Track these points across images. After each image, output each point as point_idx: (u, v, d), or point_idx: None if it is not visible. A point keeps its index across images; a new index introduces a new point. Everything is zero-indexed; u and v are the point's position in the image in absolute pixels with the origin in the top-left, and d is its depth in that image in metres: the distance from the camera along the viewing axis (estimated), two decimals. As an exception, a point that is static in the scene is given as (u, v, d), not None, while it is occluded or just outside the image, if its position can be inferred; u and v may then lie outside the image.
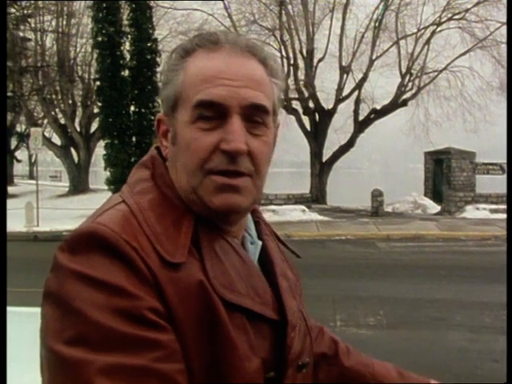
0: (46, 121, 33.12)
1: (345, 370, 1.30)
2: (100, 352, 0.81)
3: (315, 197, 24.28)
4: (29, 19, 27.57)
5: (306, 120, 25.98)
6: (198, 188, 1.00)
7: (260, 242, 1.13)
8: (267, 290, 1.04)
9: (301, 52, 25.51)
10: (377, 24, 25.72)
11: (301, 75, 25.66)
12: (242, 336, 0.96)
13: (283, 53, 25.72)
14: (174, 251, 0.93)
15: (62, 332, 0.84)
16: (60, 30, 28.67)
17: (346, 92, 26.13)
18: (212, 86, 0.98)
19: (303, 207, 19.63)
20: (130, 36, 21.20)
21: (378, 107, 26.34)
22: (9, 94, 27.60)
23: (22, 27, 27.40)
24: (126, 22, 21.43)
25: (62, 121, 30.66)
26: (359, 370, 1.30)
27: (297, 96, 25.63)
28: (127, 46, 21.33)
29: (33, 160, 38.03)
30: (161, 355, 0.85)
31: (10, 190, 31.41)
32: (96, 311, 0.83)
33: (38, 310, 0.97)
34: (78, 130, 30.24)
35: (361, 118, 26.38)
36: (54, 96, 29.76)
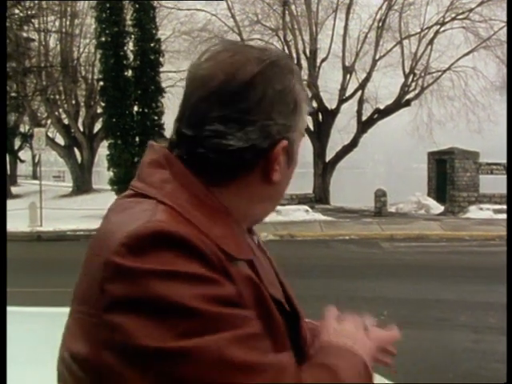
0: (49, 121, 33.17)
1: None
2: (215, 334, 0.83)
3: (318, 197, 24.25)
4: (32, 20, 27.60)
5: (309, 120, 25.91)
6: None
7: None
8: (279, 284, 1.08)
9: (304, 52, 25.50)
10: (380, 24, 25.70)
11: (304, 75, 25.61)
12: (283, 329, 0.99)
13: (286, 53, 25.68)
14: (238, 249, 0.95)
15: (169, 331, 0.82)
16: (63, 30, 28.73)
17: (349, 92, 26.12)
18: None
19: (306, 207, 19.62)
20: (133, 36, 21.21)
21: (382, 107, 26.31)
22: (12, 94, 27.67)
23: (25, 28, 27.44)
24: (129, 23, 21.44)
25: (66, 121, 30.72)
26: None
27: (300, 96, 25.58)
28: (130, 46, 21.34)
29: (36, 160, 38.15)
30: (261, 327, 0.90)
31: (14, 190, 31.47)
32: (195, 301, 0.83)
33: (37, 310, 0.96)
34: (82, 130, 30.28)
35: (364, 118, 26.36)
36: (57, 96, 29.81)
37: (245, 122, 0.97)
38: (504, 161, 22.28)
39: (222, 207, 1.00)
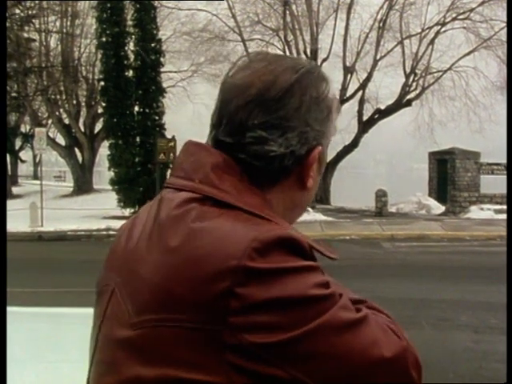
0: (50, 121, 33.18)
1: None
2: (333, 307, 0.92)
3: (319, 197, 24.25)
4: (33, 20, 27.64)
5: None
6: None
7: None
8: None
9: (305, 52, 25.49)
10: (381, 24, 25.70)
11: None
12: None
13: (287, 53, 25.69)
14: (330, 249, 1.04)
15: (303, 317, 0.89)
16: (64, 30, 28.76)
17: (350, 92, 26.13)
18: None
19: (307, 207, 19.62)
20: (134, 36, 21.23)
21: (383, 107, 26.32)
22: (13, 94, 27.70)
23: (26, 28, 27.47)
24: (130, 23, 21.46)
25: (67, 121, 30.73)
26: None
27: (301, 96, 25.60)
28: (131, 46, 21.37)
29: (37, 160, 38.12)
30: None
31: (15, 190, 31.49)
32: (316, 289, 0.91)
33: (38, 310, 0.95)
34: (83, 130, 30.30)
35: (365, 118, 26.37)
36: (58, 96, 29.83)
37: (285, 128, 1.01)
38: (505, 161, 22.27)
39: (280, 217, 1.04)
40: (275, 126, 1.00)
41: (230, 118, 1.02)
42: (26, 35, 27.76)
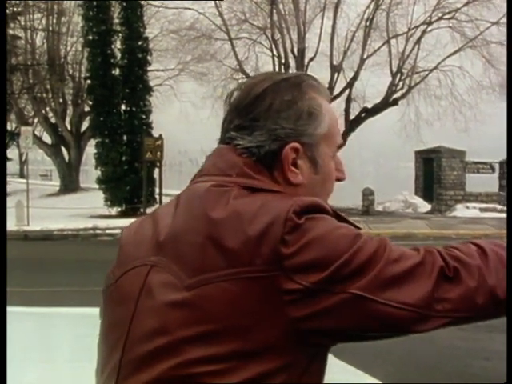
0: (36, 119, 32.96)
1: None
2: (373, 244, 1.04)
3: (306, 196, 24.29)
4: (19, 17, 27.45)
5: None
6: None
7: None
8: None
9: (292, 51, 25.51)
10: (368, 23, 25.75)
11: (292, 74, 25.63)
12: None
13: (274, 52, 25.72)
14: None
15: (344, 247, 1.02)
16: (50, 28, 28.57)
17: (337, 91, 26.14)
18: (340, 130, 1.27)
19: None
20: (120, 34, 21.13)
21: (369, 106, 26.38)
22: (-2, 92, 27.45)
23: (11, 25, 27.24)
24: (116, 21, 21.36)
25: (53, 119, 30.53)
26: None
27: (288, 95, 25.60)
28: (118, 44, 21.27)
29: (23, 159, 37.88)
30: None
31: (0, 188, 31.23)
32: (348, 229, 1.07)
33: (37, 310, 0.96)
34: (69, 128, 30.12)
35: (352, 116, 26.40)
36: (44, 94, 29.63)
37: (254, 127, 1.14)
38: (490, 160, 22.46)
39: None
40: (245, 126, 1.14)
41: (222, 127, 1.21)
42: (11, 32, 27.54)
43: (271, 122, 1.13)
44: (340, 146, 1.25)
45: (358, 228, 1.12)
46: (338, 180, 1.25)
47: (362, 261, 1.01)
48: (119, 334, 1.08)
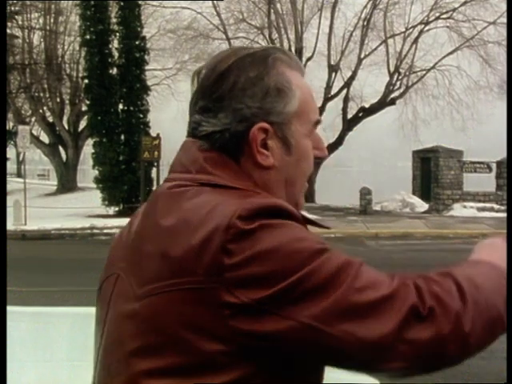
0: (33, 119, 32.92)
1: None
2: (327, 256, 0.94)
3: (304, 195, 24.29)
4: (16, 16, 27.40)
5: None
6: (302, 190, 1.15)
7: None
8: None
9: (289, 50, 25.48)
10: (365, 23, 25.79)
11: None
12: None
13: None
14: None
15: (296, 264, 0.92)
16: (48, 27, 28.53)
17: (334, 90, 26.18)
18: (315, 105, 1.15)
19: (292, 205, 19.63)
20: (118, 34, 21.11)
21: (367, 105, 26.42)
22: (-4, 91, 27.42)
23: (9, 24, 27.18)
24: (114, 20, 21.35)
25: (50, 119, 30.51)
26: None
27: (285, 94, 25.62)
28: (115, 43, 21.25)
29: (21, 158, 37.82)
30: None
31: (-2, 188, 31.18)
32: (308, 242, 0.96)
33: (38, 310, 0.96)
34: (66, 128, 30.09)
35: (349, 116, 26.44)
36: (41, 94, 29.60)
37: (217, 109, 1.05)
38: (487, 159, 22.48)
39: None
40: (210, 108, 1.06)
41: (189, 110, 1.12)
42: (8, 31, 27.50)
43: (236, 102, 1.04)
44: (317, 123, 1.13)
45: (326, 227, 1.08)
46: (318, 158, 1.14)
47: (319, 283, 0.90)
48: (98, 341, 1.08)
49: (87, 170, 35.36)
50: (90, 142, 23.14)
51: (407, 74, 26.55)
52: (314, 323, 0.89)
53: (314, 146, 1.12)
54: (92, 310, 1.17)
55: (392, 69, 26.22)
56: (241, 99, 1.05)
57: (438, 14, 26.13)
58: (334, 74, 25.93)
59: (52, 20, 28.78)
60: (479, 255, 1.08)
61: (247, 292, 0.90)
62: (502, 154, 20.50)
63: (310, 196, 25.11)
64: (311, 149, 1.12)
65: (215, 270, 0.91)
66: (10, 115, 33.52)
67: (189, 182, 1.05)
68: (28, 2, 26.83)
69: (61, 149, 30.26)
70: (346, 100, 26.40)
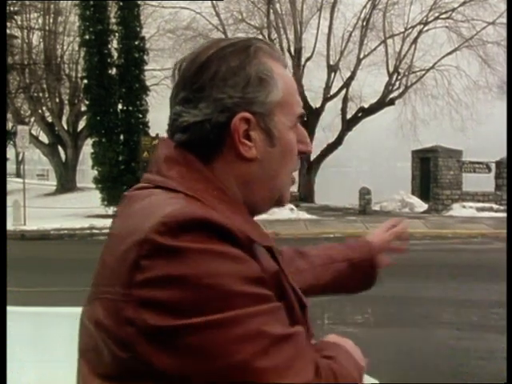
0: (33, 119, 32.92)
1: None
2: (241, 309, 0.86)
3: (303, 195, 24.32)
4: (15, 16, 27.40)
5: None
6: (286, 184, 1.10)
7: None
8: None
9: (289, 51, 25.53)
10: (364, 23, 25.80)
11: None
12: (302, 319, 1.04)
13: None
14: (261, 236, 1.00)
15: (196, 307, 0.85)
16: (47, 27, 28.54)
17: (333, 90, 26.20)
18: (299, 99, 1.12)
19: (291, 206, 19.65)
20: (117, 34, 21.13)
21: (366, 106, 26.43)
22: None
23: (8, 24, 27.18)
24: (113, 20, 21.37)
25: (50, 119, 30.52)
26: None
27: (285, 94, 25.65)
28: (115, 44, 21.27)
29: (20, 158, 37.81)
30: (281, 306, 0.94)
31: (-3, 188, 31.17)
32: (225, 279, 0.87)
33: (38, 310, 0.97)
34: (66, 128, 30.10)
35: (348, 116, 26.45)
36: (40, 94, 29.61)
37: (198, 99, 1.02)
38: (487, 159, 22.48)
39: (236, 199, 1.04)
40: (190, 99, 1.02)
41: (170, 103, 1.09)
42: (8, 31, 27.49)
43: (217, 91, 1.01)
44: (301, 117, 1.10)
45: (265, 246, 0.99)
46: (303, 153, 1.11)
47: (227, 340, 0.84)
48: None
49: (86, 170, 35.33)
50: (89, 142, 23.13)
51: (406, 74, 26.56)
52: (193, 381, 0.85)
53: (298, 139, 1.09)
54: None
55: (391, 69, 26.24)
56: (222, 89, 1.02)
57: (437, 14, 26.14)
58: (333, 74, 25.95)
59: (51, 20, 28.78)
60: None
61: (149, 315, 0.85)
62: (501, 154, 20.51)
63: (309, 196, 25.13)
64: (295, 142, 1.09)
65: (127, 285, 0.88)
66: (9, 115, 33.52)
67: (146, 184, 1.04)
68: (27, 2, 26.81)
69: (60, 149, 30.27)
70: (345, 100, 26.41)
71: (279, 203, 1.11)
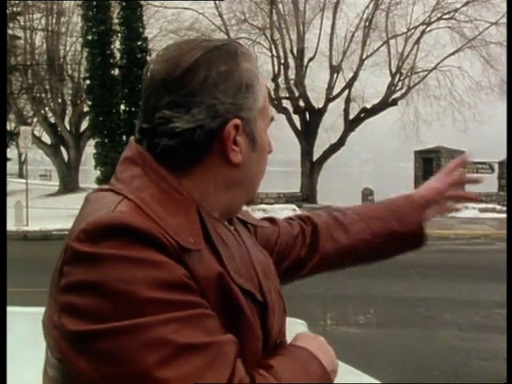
0: (35, 119, 32.95)
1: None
2: (153, 316, 0.85)
3: (306, 196, 24.30)
4: (18, 17, 27.42)
5: (296, 119, 26.02)
6: (259, 185, 1.14)
7: (232, 227, 1.14)
8: (254, 273, 1.09)
9: (291, 51, 25.53)
10: (367, 23, 25.80)
11: (291, 74, 25.68)
12: (253, 319, 1.02)
13: (274, 52, 25.74)
14: (191, 240, 0.97)
15: (116, 314, 0.86)
16: (50, 28, 28.55)
17: (336, 91, 26.19)
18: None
19: (294, 206, 19.65)
20: (120, 34, 21.15)
21: (368, 106, 26.41)
22: (-2, 92, 27.42)
23: (11, 25, 27.21)
24: (116, 21, 21.38)
25: (52, 119, 30.54)
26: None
27: (287, 95, 25.66)
28: (117, 44, 21.29)
29: (22, 159, 37.86)
30: (209, 313, 0.92)
31: None
32: (139, 285, 0.86)
33: (37, 310, 0.97)
34: (68, 128, 30.12)
35: (351, 116, 26.44)
36: (43, 95, 29.62)
37: (190, 104, 1.01)
38: (489, 160, 22.45)
39: (187, 199, 1.02)
40: (180, 103, 1.00)
41: (145, 106, 1.05)
42: (10, 32, 27.52)
43: (209, 97, 1.01)
44: (272, 119, 1.14)
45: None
46: (268, 153, 1.14)
47: (132, 347, 0.84)
48: None
49: (89, 171, 35.39)
50: (91, 142, 23.17)
51: (409, 74, 26.54)
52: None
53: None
54: None
55: (394, 69, 26.22)
56: (214, 94, 1.01)
57: (439, 15, 26.13)
58: (335, 75, 25.94)
59: (54, 21, 28.80)
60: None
61: (67, 319, 0.88)
62: (504, 155, 20.49)
63: (311, 197, 25.12)
64: (267, 144, 1.12)
65: (55, 289, 0.92)
66: (12, 116, 33.61)
67: (105, 186, 1.05)
68: (30, 3, 26.84)
69: (63, 149, 30.29)
70: (347, 101, 26.40)
71: (250, 202, 1.14)
